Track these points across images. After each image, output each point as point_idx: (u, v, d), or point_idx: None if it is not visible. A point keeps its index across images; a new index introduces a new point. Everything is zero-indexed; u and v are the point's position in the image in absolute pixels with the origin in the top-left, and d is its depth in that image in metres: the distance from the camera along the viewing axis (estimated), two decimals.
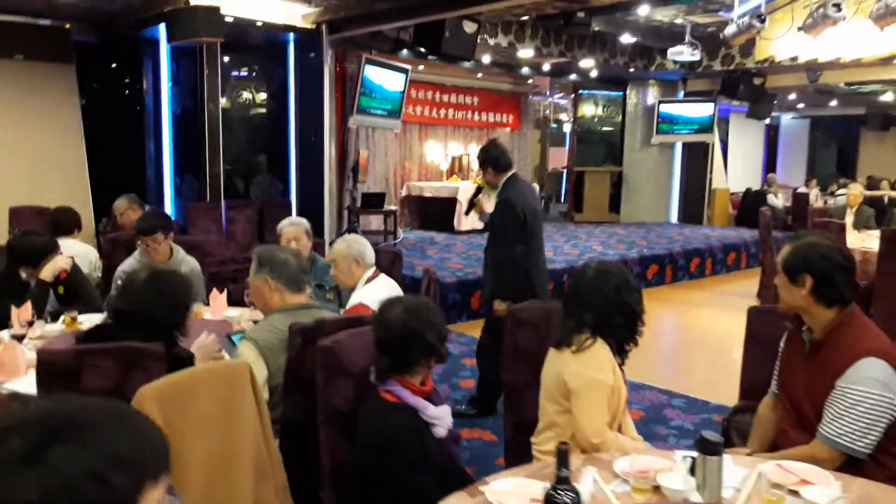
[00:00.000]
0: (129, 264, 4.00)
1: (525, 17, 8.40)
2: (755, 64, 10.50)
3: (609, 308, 2.15)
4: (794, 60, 8.35)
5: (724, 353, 6.10)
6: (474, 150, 12.07)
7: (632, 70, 11.06)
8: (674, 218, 12.88)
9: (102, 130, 8.05)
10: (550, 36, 9.47)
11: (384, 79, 7.87)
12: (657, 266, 8.64)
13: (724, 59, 10.76)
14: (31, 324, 3.17)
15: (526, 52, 9.31)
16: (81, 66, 7.82)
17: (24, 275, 3.57)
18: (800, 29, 5.13)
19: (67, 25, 7.67)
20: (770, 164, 19.97)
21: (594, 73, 11.47)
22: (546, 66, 10.87)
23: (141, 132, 8.13)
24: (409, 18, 6.61)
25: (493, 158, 4.01)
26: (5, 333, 3.10)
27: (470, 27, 6.95)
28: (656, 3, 6.84)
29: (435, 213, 10.60)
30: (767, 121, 18.59)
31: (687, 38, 8.68)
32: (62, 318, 3.37)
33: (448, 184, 10.61)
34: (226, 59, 7.39)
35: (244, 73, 7.63)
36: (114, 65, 8.31)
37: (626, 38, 9.39)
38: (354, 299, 3.18)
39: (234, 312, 3.68)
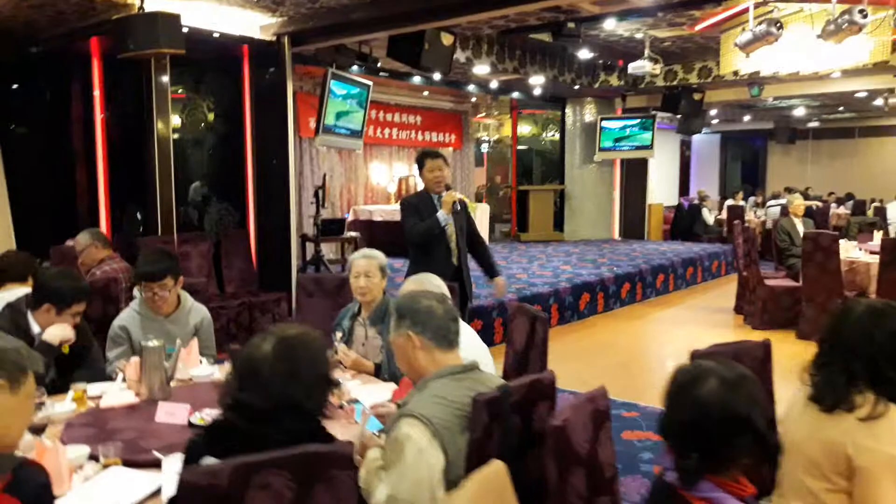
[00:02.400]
0: (127, 318, 3.28)
1: (489, 31, 8.08)
2: (698, 79, 10.66)
3: (881, 358, 1.74)
4: (756, 75, 8.44)
5: None
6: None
7: (577, 87, 10.96)
8: (616, 234, 12.87)
9: (23, 159, 7.05)
10: (505, 52, 9.20)
11: (348, 96, 7.30)
12: (629, 284, 8.45)
13: (667, 75, 10.85)
14: (40, 405, 2.43)
15: (482, 69, 8.98)
16: None
17: (36, 327, 2.82)
18: (818, 36, 5.03)
19: None
20: (683, 179, 20.63)
21: (538, 91, 11.31)
22: (494, 84, 10.60)
23: (69, 160, 7.16)
24: (387, 29, 6.11)
25: None
26: None
27: (447, 39, 6.52)
28: (652, 10, 6.63)
29: (385, 238, 10.02)
30: (681, 136, 19.24)
31: (646, 52, 8.62)
32: (70, 392, 2.64)
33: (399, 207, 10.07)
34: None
35: (192, 90, 6.87)
36: (33, 85, 7.31)
37: (584, 54, 9.22)
38: None
39: (204, 370, 3.04)
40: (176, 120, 6.61)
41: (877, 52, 6.90)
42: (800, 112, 15.96)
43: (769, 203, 13.17)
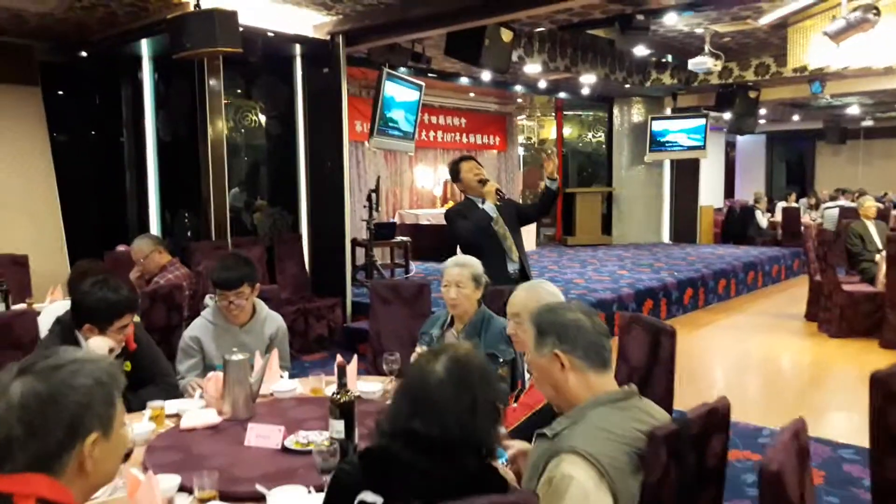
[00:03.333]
0: (199, 328, 3.06)
1: (543, 28, 7.81)
2: (755, 77, 10.27)
3: None
4: (822, 70, 8.05)
5: (834, 386, 5.55)
6: None
7: (627, 86, 10.62)
8: (666, 238, 12.48)
9: (72, 164, 6.95)
10: (557, 50, 8.92)
11: (402, 96, 7.07)
12: (692, 289, 8.10)
13: (723, 73, 10.47)
14: None
15: (534, 68, 8.70)
16: (46, 89, 6.73)
17: (83, 340, 2.59)
18: None
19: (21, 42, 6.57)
20: (728, 181, 20.09)
21: (586, 91, 11.00)
22: (542, 84, 10.32)
23: (119, 164, 7.05)
24: (446, 26, 5.87)
25: None
26: None
27: (507, 36, 6.27)
28: (717, 4, 6.31)
29: (432, 243, 9.77)
30: (725, 137, 18.76)
31: (707, 47, 8.26)
32: (147, 411, 2.42)
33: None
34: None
35: (244, 92, 6.70)
36: (84, 88, 7.22)
37: (640, 51, 8.89)
38: None
39: (286, 385, 2.78)
40: (228, 122, 6.44)
41: None
42: (854, 110, 15.40)
43: (826, 205, 12.66)
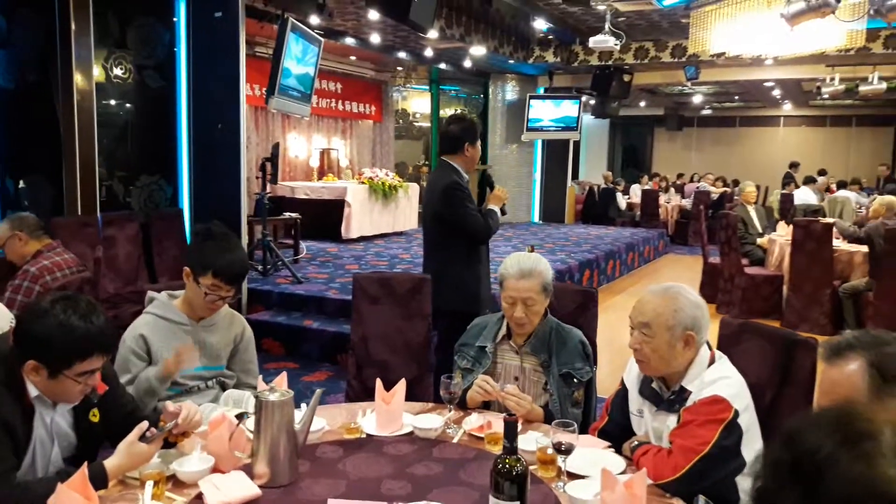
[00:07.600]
0: (146, 326, 2.33)
1: None
2: (634, 60, 10.42)
3: None
4: (720, 56, 8.20)
5: None
6: (339, 143, 10.57)
7: (511, 61, 10.36)
8: (536, 217, 12.49)
9: None
10: (453, 17, 8.42)
11: (302, 53, 6.19)
12: (589, 271, 8.01)
13: (602, 54, 10.50)
14: None
15: (430, 33, 8.10)
16: None
17: (33, 388, 1.72)
18: (782, 15, 4.71)
19: None
20: (573, 162, 20.70)
21: (467, 64, 10.59)
22: (429, 52, 9.76)
23: None
24: None
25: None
26: None
27: None
28: None
29: (311, 219, 8.90)
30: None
31: (607, 25, 8.13)
32: (148, 486, 1.62)
33: (329, 184, 9.02)
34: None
35: (110, 34, 5.51)
36: None
37: (539, 24, 8.61)
38: (705, 391, 1.88)
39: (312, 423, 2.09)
40: (95, 72, 5.25)
41: (854, 36, 6.81)
42: (698, 99, 16.36)
43: (699, 187, 13.28)
